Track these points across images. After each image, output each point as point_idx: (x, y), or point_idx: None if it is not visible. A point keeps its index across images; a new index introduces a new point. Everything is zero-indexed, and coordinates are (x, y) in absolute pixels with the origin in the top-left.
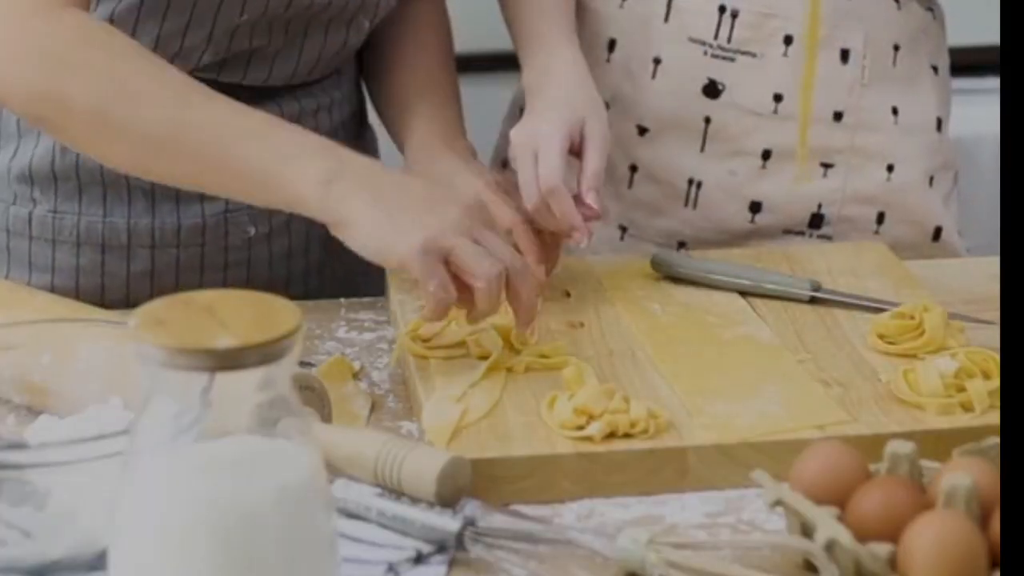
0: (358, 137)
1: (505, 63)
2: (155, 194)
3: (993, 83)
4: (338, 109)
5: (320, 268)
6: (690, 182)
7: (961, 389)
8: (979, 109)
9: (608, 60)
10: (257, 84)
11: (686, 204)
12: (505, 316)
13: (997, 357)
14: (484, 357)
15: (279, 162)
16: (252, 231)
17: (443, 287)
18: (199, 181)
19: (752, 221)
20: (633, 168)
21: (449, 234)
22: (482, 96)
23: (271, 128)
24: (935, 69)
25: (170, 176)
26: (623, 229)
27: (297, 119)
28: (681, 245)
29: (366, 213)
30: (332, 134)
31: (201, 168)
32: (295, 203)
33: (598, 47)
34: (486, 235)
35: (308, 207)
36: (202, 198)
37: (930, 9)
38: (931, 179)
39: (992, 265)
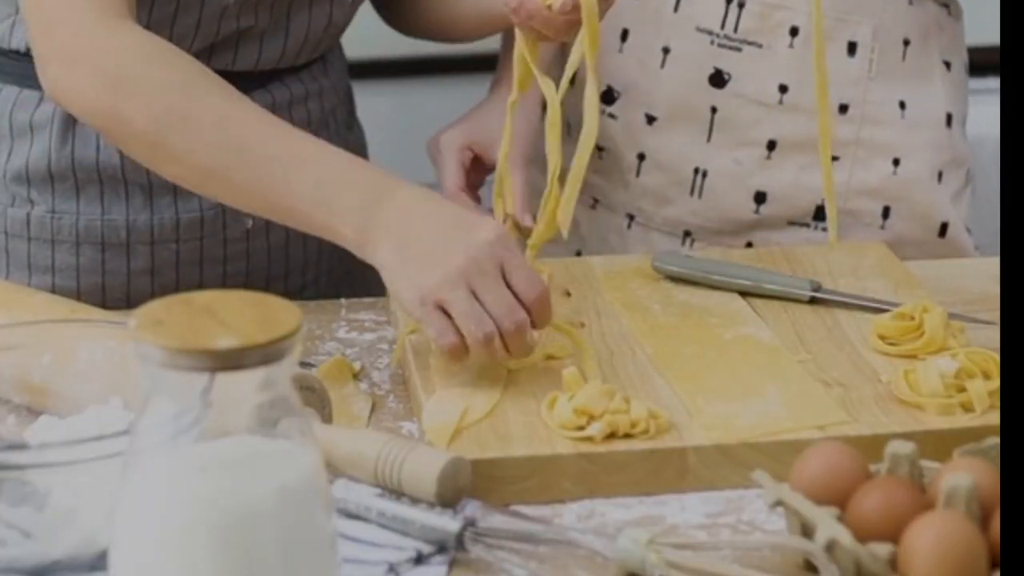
0: (348, 128)
1: None
2: (152, 190)
3: (994, 84)
4: (327, 97)
5: (318, 260)
6: (696, 171)
7: (961, 389)
8: (980, 110)
9: (621, 50)
10: (247, 69)
11: (692, 193)
12: None
13: (997, 357)
14: None
15: (323, 205)
16: (249, 223)
17: (440, 334)
18: (249, 207)
19: (757, 211)
20: (641, 156)
21: (446, 287)
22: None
23: (318, 164)
24: (948, 65)
25: (222, 199)
26: (630, 217)
27: (288, 107)
28: (687, 235)
29: (388, 259)
30: (323, 122)
31: (250, 199)
32: (334, 239)
33: (612, 36)
34: (488, 286)
35: (346, 245)
36: None
37: (945, 5)
38: (940, 175)
39: (992, 265)
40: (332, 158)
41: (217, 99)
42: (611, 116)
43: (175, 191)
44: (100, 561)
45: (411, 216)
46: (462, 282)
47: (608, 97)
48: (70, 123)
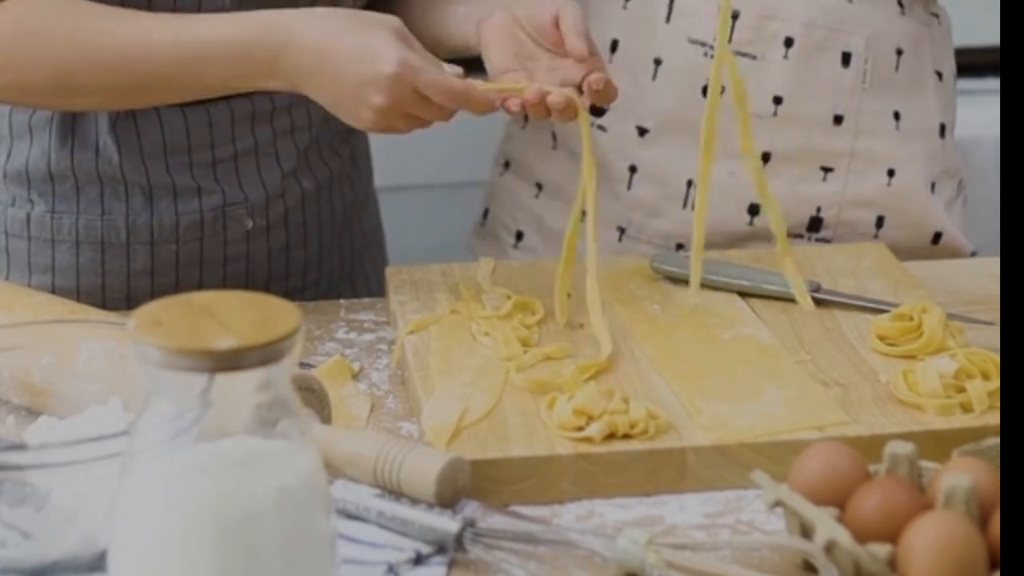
0: (350, 130)
1: None
2: (152, 191)
3: (992, 84)
4: None
5: (319, 261)
6: (689, 183)
7: (960, 390)
8: (978, 111)
9: (611, 61)
10: None
11: (684, 205)
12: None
13: (996, 358)
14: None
15: (239, 80)
16: (250, 225)
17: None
18: (172, 102)
19: (750, 223)
20: (632, 169)
21: (383, 125)
22: None
23: (210, 44)
24: (939, 75)
25: (144, 104)
26: (621, 230)
27: (287, 109)
28: (679, 247)
29: (323, 100)
30: (324, 124)
31: (169, 95)
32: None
33: (601, 48)
34: (414, 110)
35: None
36: (200, 193)
37: (935, 15)
38: (933, 185)
39: (992, 266)
40: (218, 39)
41: (95, 36)
42: (601, 128)
43: (175, 193)
44: (100, 561)
45: (312, 69)
46: (391, 119)
47: (598, 109)
48: (69, 124)
